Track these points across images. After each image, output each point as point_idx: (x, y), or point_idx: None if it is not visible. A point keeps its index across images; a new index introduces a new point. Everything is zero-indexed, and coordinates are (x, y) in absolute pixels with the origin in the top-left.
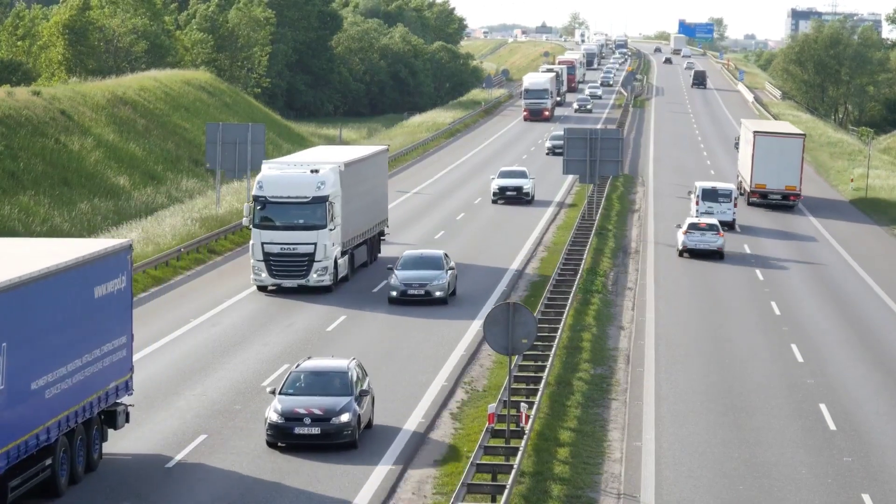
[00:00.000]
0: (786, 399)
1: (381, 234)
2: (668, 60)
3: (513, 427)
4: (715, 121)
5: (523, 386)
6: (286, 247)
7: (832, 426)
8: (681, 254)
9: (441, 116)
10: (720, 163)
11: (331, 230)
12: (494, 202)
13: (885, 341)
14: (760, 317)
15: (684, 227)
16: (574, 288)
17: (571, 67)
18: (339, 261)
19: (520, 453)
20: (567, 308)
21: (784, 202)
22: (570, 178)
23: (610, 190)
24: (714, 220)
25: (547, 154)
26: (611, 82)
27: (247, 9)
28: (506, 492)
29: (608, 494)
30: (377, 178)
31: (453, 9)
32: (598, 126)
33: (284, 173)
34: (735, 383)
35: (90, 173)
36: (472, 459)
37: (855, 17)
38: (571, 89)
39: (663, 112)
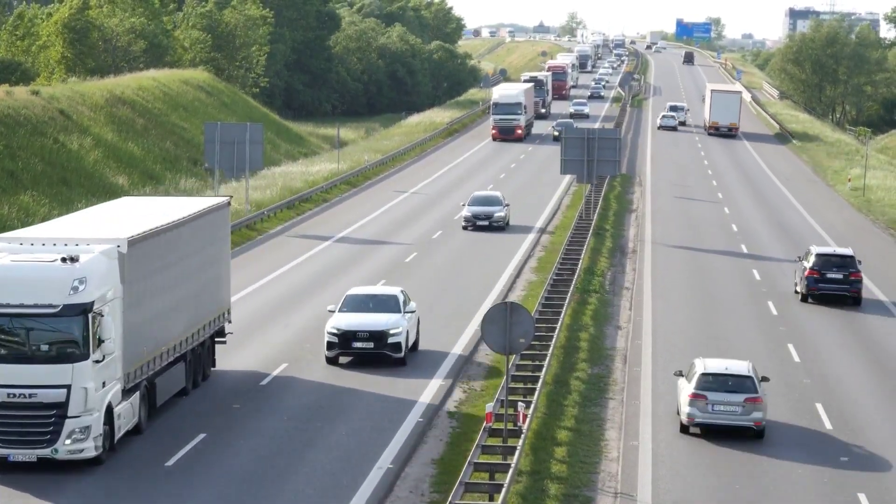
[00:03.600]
0: (782, 398)
1: (219, 334)
2: (648, 47)
3: (510, 426)
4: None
5: (521, 385)
6: (17, 393)
7: (828, 425)
8: (658, 128)
9: (439, 116)
10: (717, 158)
11: (97, 361)
12: (330, 362)
13: (882, 341)
14: (757, 316)
15: (660, 116)
16: (571, 287)
17: (561, 73)
18: (119, 408)
19: (517, 452)
20: (564, 308)
21: (729, 133)
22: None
23: (607, 190)
24: (674, 114)
25: (465, 228)
26: (601, 94)
27: (241, 7)
28: (503, 490)
29: (605, 493)
30: (209, 249)
31: (451, 8)
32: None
33: (17, 263)
34: None
35: (89, 173)
36: (469, 458)
37: (853, 17)
38: (562, 97)
39: (661, 111)
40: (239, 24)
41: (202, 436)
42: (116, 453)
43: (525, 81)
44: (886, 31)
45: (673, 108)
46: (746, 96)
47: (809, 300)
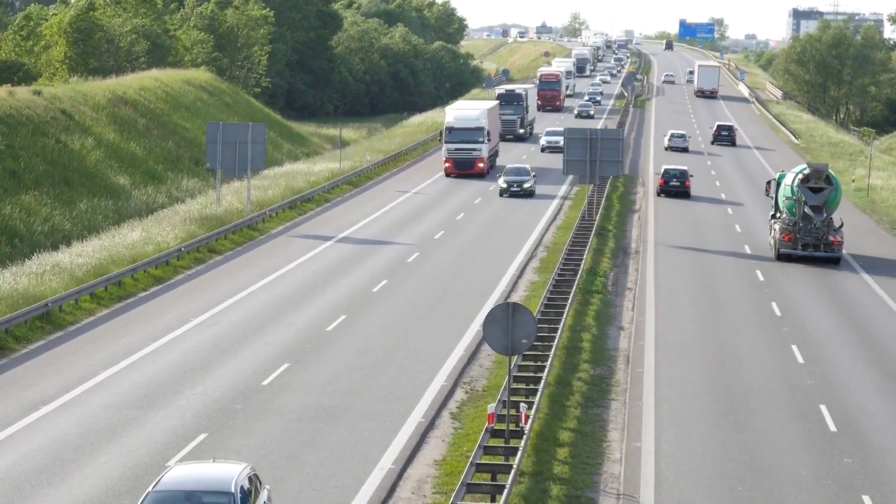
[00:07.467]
0: (786, 400)
1: None
2: (627, 43)
3: (512, 427)
4: (714, 118)
5: (523, 386)
6: None
7: (833, 427)
8: (662, 83)
9: (441, 116)
10: (719, 159)
11: None
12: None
13: (886, 343)
14: (761, 318)
15: (663, 75)
16: (574, 288)
17: (554, 82)
18: None
19: (519, 453)
20: (567, 308)
21: (711, 96)
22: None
23: (610, 190)
24: (689, 76)
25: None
26: (591, 112)
27: (243, 7)
28: (505, 492)
29: (607, 495)
30: None
31: (454, 9)
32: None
33: None
34: (735, 384)
35: (91, 173)
36: (471, 459)
37: (857, 17)
38: (556, 108)
39: (664, 112)
40: (240, 24)
41: (203, 436)
42: (118, 452)
43: (498, 97)
44: (890, 32)
45: (691, 72)
46: (746, 91)
47: (715, 143)
